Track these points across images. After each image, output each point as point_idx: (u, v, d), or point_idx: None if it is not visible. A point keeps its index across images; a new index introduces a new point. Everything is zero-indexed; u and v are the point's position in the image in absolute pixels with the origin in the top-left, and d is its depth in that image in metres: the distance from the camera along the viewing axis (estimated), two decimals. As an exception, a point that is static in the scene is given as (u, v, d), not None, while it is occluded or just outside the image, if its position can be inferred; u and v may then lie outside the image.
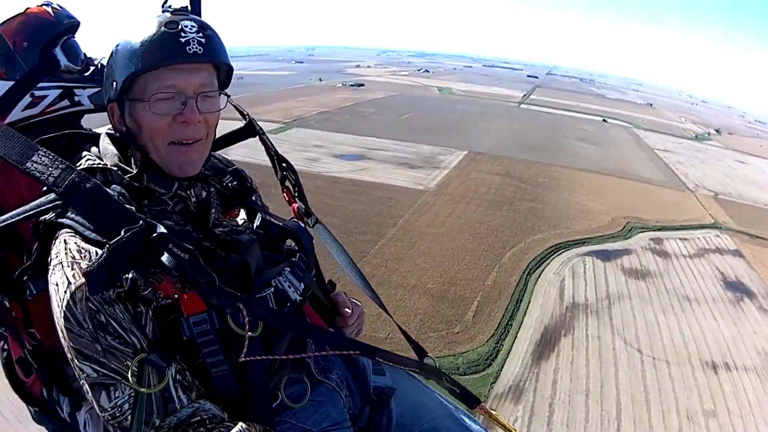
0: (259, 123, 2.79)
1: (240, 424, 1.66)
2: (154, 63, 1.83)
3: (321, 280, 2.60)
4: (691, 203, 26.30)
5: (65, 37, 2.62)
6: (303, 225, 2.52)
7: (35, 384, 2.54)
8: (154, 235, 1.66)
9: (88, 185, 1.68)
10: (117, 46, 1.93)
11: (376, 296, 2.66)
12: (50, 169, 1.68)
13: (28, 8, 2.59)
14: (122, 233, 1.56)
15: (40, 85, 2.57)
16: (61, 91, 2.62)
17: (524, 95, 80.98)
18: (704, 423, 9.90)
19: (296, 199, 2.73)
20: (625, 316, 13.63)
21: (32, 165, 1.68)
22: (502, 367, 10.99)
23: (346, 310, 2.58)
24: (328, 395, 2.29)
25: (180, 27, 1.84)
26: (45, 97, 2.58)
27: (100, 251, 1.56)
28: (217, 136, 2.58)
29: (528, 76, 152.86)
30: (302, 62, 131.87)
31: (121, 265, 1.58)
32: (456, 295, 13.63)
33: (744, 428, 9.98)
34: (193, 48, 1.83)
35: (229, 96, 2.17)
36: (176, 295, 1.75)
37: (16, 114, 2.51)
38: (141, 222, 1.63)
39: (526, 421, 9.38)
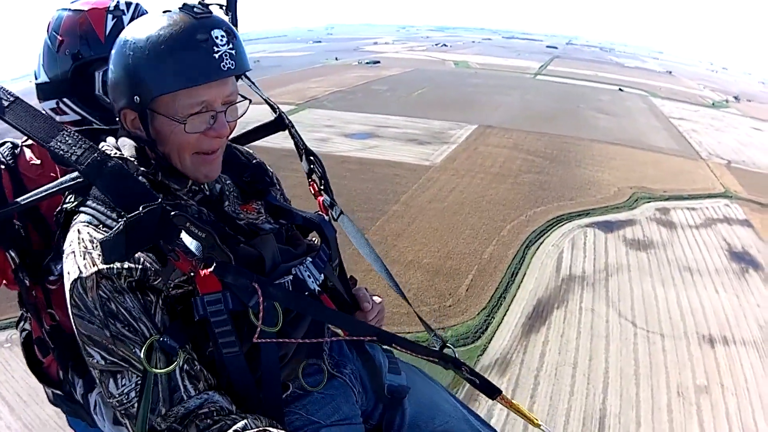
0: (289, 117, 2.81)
1: (247, 416, 1.68)
2: (188, 84, 1.79)
3: (343, 274, 2.60)
4: (703, 172, 25.83)
5: None
6: (327, 218, 2.53)
7: (52, 365, 2.66)
8: (173, 213, 1.67)
9: (109, 164, 1.74)
10: (129, 46, 1.84)
11: (398, 288, 2.68)
12: (74, 148, 1.75)
13: (95, 8, 2.56)
14: (140, 209, 1.58)
15: (66, 101, 2.57)
16: (79, 118, 2.59)
17: (541, 66, 79.69)
18: (695, 399, 9.80)
19: (322, 192, 2.75)
20: (622, 288, 13.53)
21: (56, 143, 1.75)
22: (491, 340, 11.01)
23: (366, 304, 2.57)
24: (340, 389, 2.31)
25: (211, 39, 1.79)
26: (66, 113, 2.58)
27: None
28: (247, 129, 2.85)
29: (547, 46, 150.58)
30: (320, 42, 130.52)
31: (136, 240, 1.60)
32: (451, 269, 13.62)
33: (737, 405, 9.84)
34: (226, 64, 1.80)
35: (251, 101, 2.12)
36: (192, 273, 1.77)
37: (47, 106, 2.56)
38: (159, 200, 1.65)
39: (509, 393, 9.18)
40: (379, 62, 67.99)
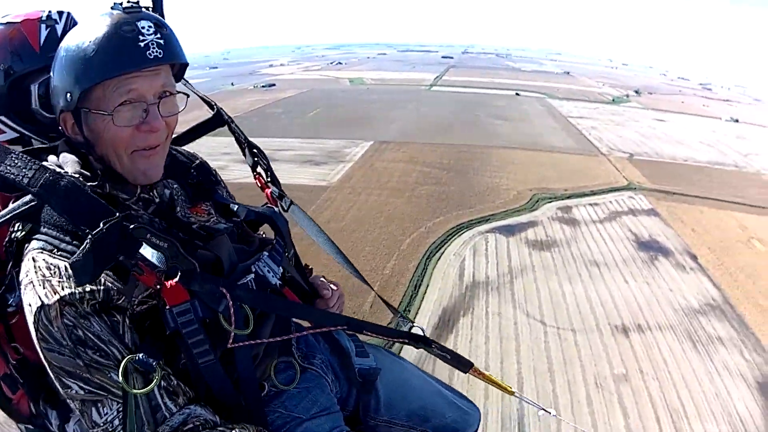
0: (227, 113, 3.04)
1: (234, 427, 1.72)
2: (113, 73, 1.78)
3: (299, 263, 2.81)
4: (604, 167, 26.22)
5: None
6: (278, 209, 2.62)
7: (22, 400, 2.46)
8: (132, 226, 1.65)
9: (62, 182, 1.67)
10: (63, 49, 1.87)
11: (356, 271, 2.88)
12: (24, 170, 1.69)
13: (27, 19, 2.45)
14: (101, 225, 1.55)
15: (2, 119, 2.44)
16: (17, 136, 2.49)
17: (436, 77, 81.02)
18: (614, 388, 9.59)
19: (269, 184, 2.85)
20: (528, 288, 13.34)
21: (6, 168, 1.68)
22: (399, 353, 10.47)
23: (326, 291, 2.75)
24: (314, 381, 2.38)
25: (137, 29, 1.79)
26: (3, 131, 2.46)
27: (68, 265, 1.57)
28: (186, 128, 2.99)
29: (442, 57, 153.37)
30: (216, 67, 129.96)
31: (103, 257, 1.56)
32: (354, 287, 13.04)
33: (660, 388, 9.62)
34: (153, 52, 1.80)
35: (188, 96, 2.20)
36: (158, 286, 1.75)
37: None
38: (117, 214, 1.63)
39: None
40: (274, 85, 68.01)
